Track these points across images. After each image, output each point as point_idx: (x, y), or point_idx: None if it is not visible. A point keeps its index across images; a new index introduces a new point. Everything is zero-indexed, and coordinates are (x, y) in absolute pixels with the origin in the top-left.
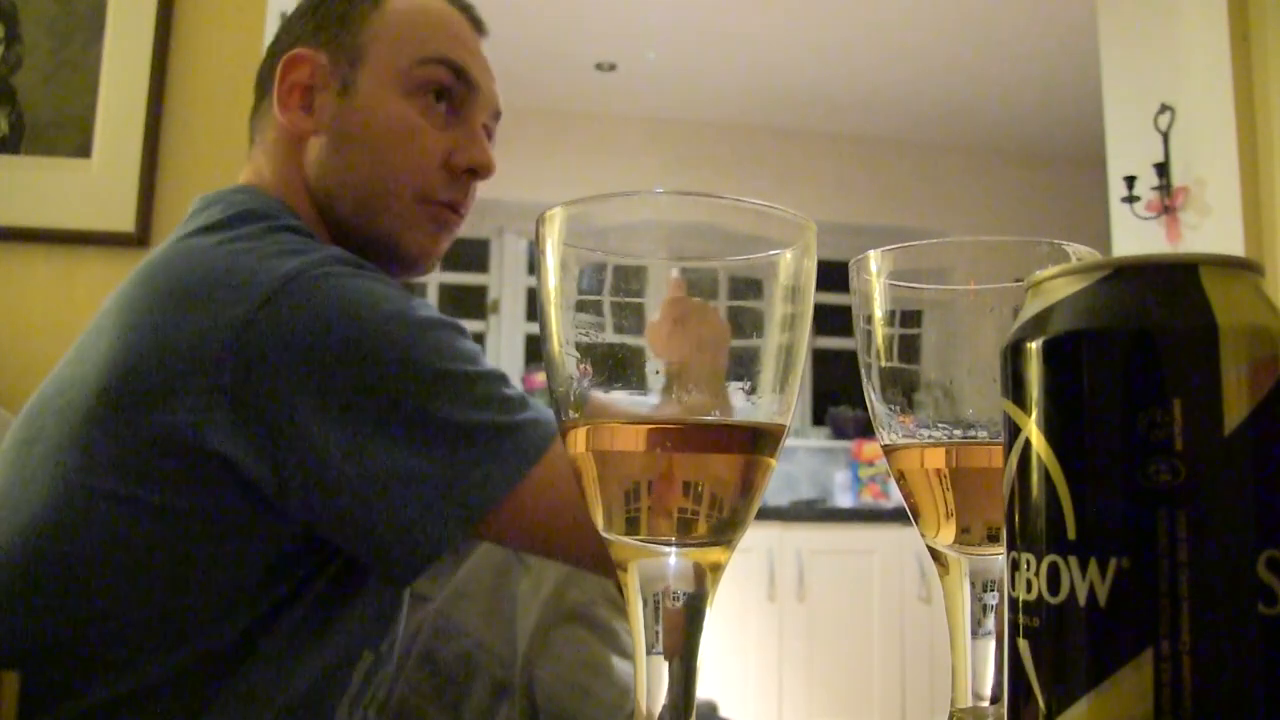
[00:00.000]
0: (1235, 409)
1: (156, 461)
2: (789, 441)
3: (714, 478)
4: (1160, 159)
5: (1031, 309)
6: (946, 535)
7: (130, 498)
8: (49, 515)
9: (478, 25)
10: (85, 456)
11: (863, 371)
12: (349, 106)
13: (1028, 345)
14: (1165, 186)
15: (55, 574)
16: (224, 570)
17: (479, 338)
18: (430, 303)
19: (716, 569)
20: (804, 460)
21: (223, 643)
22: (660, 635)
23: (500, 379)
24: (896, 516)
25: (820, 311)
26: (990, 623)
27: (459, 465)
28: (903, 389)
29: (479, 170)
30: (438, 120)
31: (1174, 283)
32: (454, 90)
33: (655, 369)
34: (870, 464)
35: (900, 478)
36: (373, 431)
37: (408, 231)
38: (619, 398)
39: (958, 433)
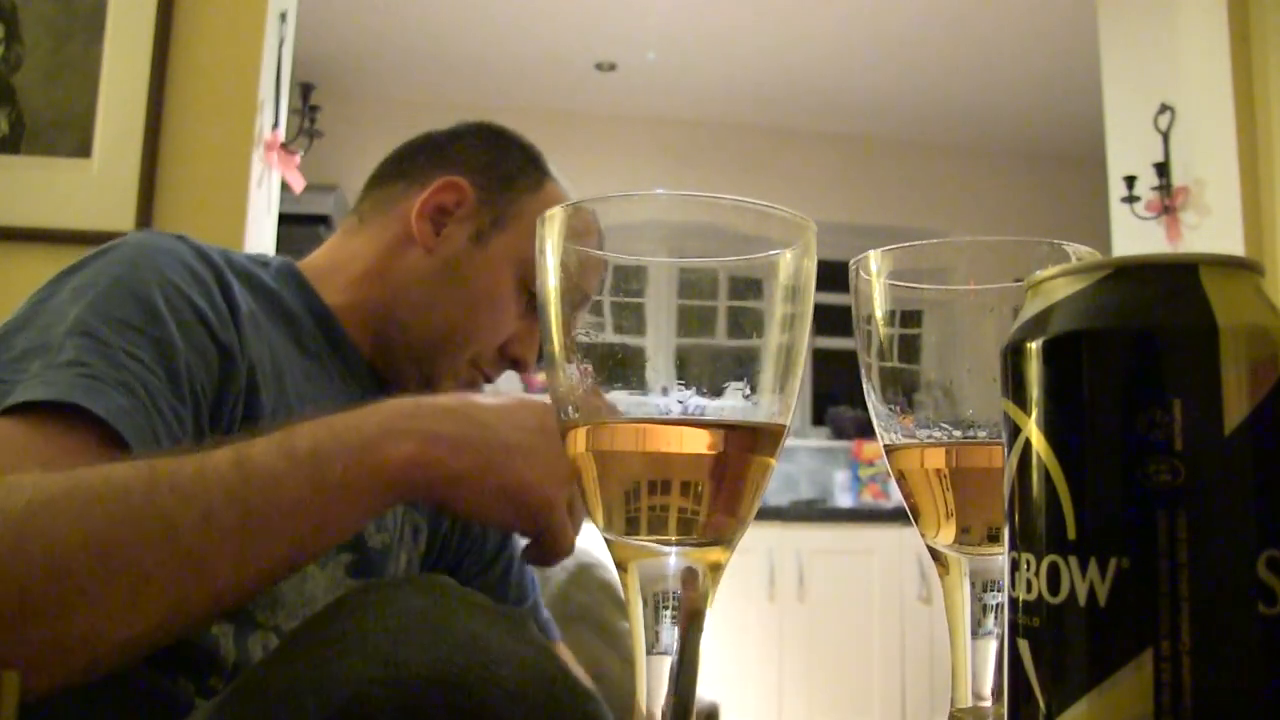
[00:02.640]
0: (1235, 409)
1: None
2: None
3: (713, 478)
4: (1160, 159)
5: (1031, 309)
6: (946, 535)
7: None
8: None
9: (600, 244)
10: None
11: (863, 371)
12: (473, 256)
13: (1028, 345)
14: (1165, 186)
15: None
16: None
17: None
18: (197, 285)
19: (716, 569)
20: (804, 460)
21: None
22: (660, 635)
23: (87, 351)
24: (896, 516)
25: (820, 311)
26: (990, 623)
27: None
28: (903, 389)
29: (521, 367)
30: (520, 310)
31: (1174, 283)
32: None
33: (653, 368)
34: (870, 464)
35: (900, 478)
36: None
37: (449, 379)
38: (619, 398)
39: (958, 433)
